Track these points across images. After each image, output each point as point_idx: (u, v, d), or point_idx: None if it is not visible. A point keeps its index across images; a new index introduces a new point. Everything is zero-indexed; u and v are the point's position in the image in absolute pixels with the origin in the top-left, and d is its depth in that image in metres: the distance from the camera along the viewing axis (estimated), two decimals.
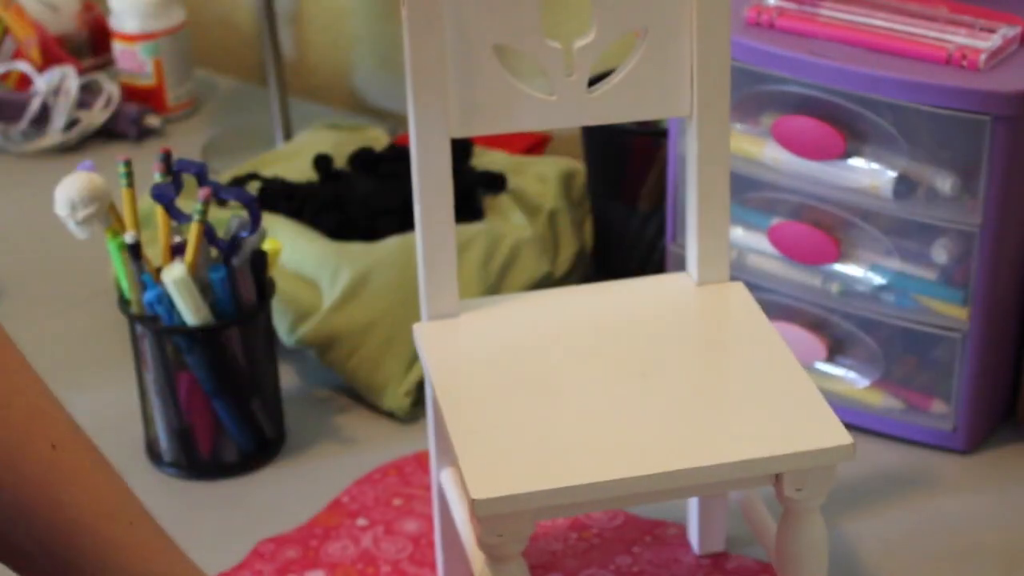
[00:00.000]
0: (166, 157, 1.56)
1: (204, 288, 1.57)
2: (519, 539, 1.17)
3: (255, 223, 1.56)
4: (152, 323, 1.58)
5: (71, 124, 2.30)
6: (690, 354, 1.33)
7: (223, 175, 2.01)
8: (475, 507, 1.13)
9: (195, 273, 1.56)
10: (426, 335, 1.34)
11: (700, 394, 1.27)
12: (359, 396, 1.76)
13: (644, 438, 1.21)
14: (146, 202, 1.74)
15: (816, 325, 1.67)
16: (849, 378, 1.67)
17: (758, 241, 1.67)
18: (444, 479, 1.41)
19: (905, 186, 1.57)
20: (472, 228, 1.81)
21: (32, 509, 0.96)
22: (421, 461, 1.65)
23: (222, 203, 1.82)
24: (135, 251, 1.56)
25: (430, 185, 1.31)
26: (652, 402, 1.25)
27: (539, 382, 1.28)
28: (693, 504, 1.51)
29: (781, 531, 1.25)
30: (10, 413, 0.96)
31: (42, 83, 2.29)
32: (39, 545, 0.98)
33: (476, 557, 1.27)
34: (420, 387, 1.73)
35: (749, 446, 1.19)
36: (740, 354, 1.31)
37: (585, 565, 1.51)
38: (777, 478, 1.20)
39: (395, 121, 2.27)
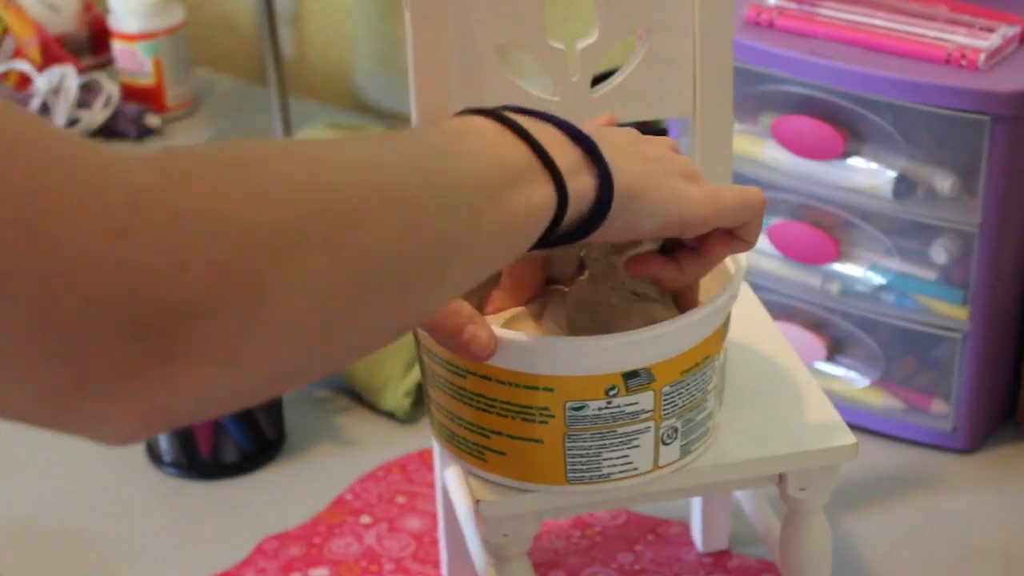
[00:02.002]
0: None
1: None
2: (524, 539, 1.17)
3: None
4: None
5: (71, 124, 2.30)
6: None
7: None
8: (480, 508, 1.13)
9: None
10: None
11: None
12: (359, 396, 1.76)
13: None
14: None
15: (816, 325, 1.67)
16: (849, 378, 1.67)
17: (758, 241, 1.66)
18: (448, 478, 1.41)
19: (905, 186, 1.57)
20: None
21: None
22: (425, 459, 1.65)
23: None
24: None
25: None
26: None
27: None
28: (696, 502, 1.51)
29: (785, 531, 1.24)
30: None
31: (42, 83, 2.29)
32: None
33: (480, 557, 1.27)
34: (420, 387, 1.73)
35: (753, 446, 1.18)
36: (743, 353, 1.31)
37: (588, 563, 1.52)
38: (781, 478, 1.20)
39: (395, 121, 2.28)
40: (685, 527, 1.55)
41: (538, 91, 1.30)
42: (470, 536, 1.33)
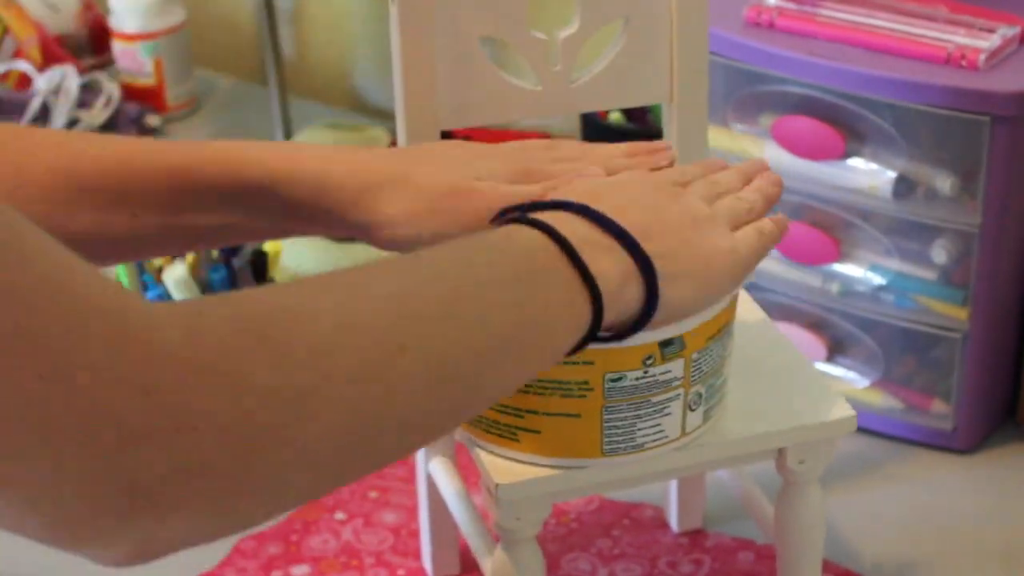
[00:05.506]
0: None
1: (205, 288, 1.58)
2: (536, 522, 1.19)
3: None
4: None
5: (71, 124, 2.30)
6: None
7: None
8: (499, 491, 1.14)
9: (196, 274, 1.57)
10: None
11: None
12: None
13: None
14: None
15: (816, 325, 1.67)
16: (849, 378, 1.67)
17: None
18: (434, 469, 1.42)
19: (905, 186, 1.57)
20: None
21: None
22: None
23: None
24: None
25: None
26: None
27: None
28: (671, 484, 1.53)
29: (782, 502, 1.27)
30: None
31: (42, 83, 2.29)
32: None
33: (482, 543, 1.29)
34: None
35: (755, 422, 1.21)
36: (740, 338, 1.33)
37: (567, 549, 1.52)
38: (779, 452, 1.23)
39: (395, 121, 2.27)
40: (658, 510, 1.57)
41: (521, 81, 1.32)
42: (464, 525, 1.34)
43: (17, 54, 2.37)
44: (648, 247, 0.99)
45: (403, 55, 1.28)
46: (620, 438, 1.13)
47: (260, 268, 1.60)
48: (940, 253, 1.57)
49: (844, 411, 1.22)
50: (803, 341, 1.66)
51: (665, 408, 1.13)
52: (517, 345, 0.91)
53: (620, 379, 1.10)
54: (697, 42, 1.33)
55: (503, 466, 1.16)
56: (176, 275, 1.54)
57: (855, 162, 1.58)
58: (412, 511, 1.57)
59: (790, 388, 1.25)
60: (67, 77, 2.29)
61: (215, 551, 1.54)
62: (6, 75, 2.34)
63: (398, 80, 1.29)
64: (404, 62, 1.28)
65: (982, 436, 1.66)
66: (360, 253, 1.77)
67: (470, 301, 0.87)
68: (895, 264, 1.60)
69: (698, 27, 1.33)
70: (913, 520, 1.56)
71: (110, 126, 2.31)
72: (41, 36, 2.37)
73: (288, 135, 2.22)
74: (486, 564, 1.27)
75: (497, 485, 1.15)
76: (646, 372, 1.10)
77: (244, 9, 2.45)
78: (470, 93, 1.31)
